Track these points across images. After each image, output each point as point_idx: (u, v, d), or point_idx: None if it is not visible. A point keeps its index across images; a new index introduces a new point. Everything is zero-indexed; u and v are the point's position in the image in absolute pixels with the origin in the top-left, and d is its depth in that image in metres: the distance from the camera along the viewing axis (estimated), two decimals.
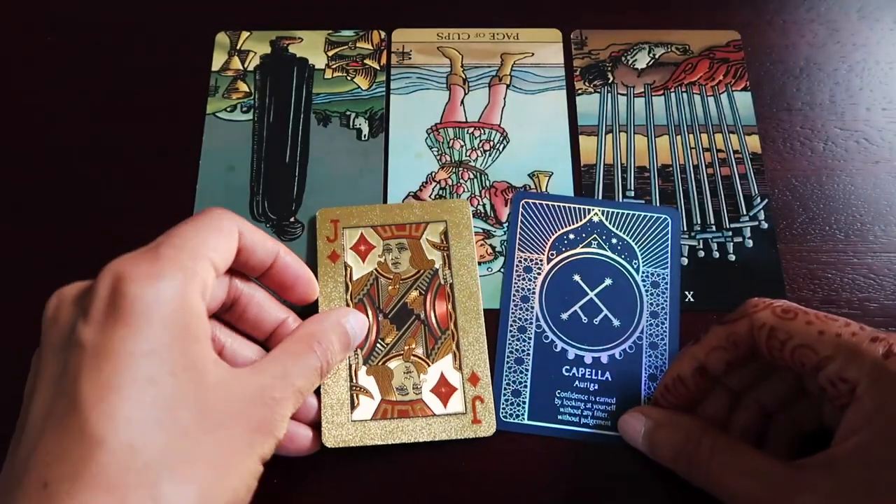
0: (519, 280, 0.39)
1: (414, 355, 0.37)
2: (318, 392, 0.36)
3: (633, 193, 0.42)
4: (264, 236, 0.33)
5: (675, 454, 0.32)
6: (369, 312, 0.38)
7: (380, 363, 0.37)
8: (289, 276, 0.35)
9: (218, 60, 0.46)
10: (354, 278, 0.38)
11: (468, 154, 0.43)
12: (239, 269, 0.33)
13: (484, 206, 0.41)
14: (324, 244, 0.39)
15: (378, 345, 0.37)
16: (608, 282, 0.39)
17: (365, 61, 0.46)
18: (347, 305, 0.38)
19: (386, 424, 0.35)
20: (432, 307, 0.38)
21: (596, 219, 0.40)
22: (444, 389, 0.36)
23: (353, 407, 0.36)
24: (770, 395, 0.33)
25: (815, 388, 0.32)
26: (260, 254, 0.33)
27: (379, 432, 0.35)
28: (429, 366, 0.37)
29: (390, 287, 0.38)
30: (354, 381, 0.36)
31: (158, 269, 0.27)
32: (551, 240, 0.40)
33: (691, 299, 0.39)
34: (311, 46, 0.46)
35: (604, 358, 0.37)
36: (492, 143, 0.43)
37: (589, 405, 0.36)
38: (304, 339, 0.32)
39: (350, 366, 0.36)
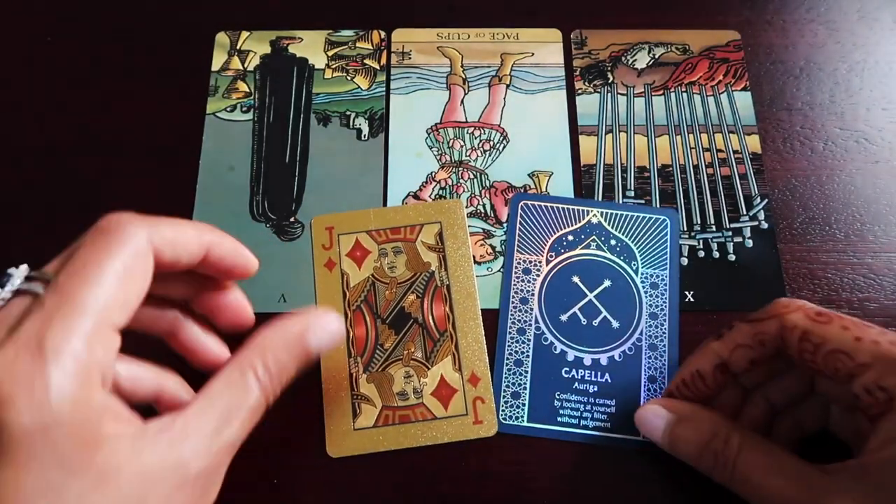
0: (518, 282, 0.39)
1: (413, 359, 0.37)
2: (320, 402, 0.36)
3: (633, 193, 0.42)
4: (183, 231, 0.29)
5: (699, 450, 0.31)
6: (367, 318, 0.38)
7: (380, 369, 0.37)
8: (225, 261, 0.30)
9: (218, 60, 0.45)
10: (351, 285, 0.38)
11: (468, 154, 0.43)
12: (168, 271, 0.29)
13: (484, 206, 0.41)
14: (319, 252, 0.39)
15: (377, 351, 0.37)
16: (607, 283, 0.39)
17: (365, 61, 0.46)
18: (346, 313, 0.38)
19: (388, 431, 0.36)
20: (430, 310, 0.38)
21: (595, 220, 0.40)
22: (444, 392, 0.36)
23: (355, 415, 0.36)
24: (779, 392, 0.33)
25: (835, 391, 0.32)
26: (185, 258, 0.29)
27: (381, 439, 0.35)
28: (428, 369, 0.37)
29: (387, 292, 0.38)
30: (356, 389, 0.36)
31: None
32: (550, 241, 0.40)
33: (691, 299, 0.39)
34: (311, 46, 0.46)
35: (603, 360, 0.37)
36: (492, 143, 0.43)
37: (588, 407, 0.36)
38: (238, 368, 0.28)
39: (351, 374, 0.37)
